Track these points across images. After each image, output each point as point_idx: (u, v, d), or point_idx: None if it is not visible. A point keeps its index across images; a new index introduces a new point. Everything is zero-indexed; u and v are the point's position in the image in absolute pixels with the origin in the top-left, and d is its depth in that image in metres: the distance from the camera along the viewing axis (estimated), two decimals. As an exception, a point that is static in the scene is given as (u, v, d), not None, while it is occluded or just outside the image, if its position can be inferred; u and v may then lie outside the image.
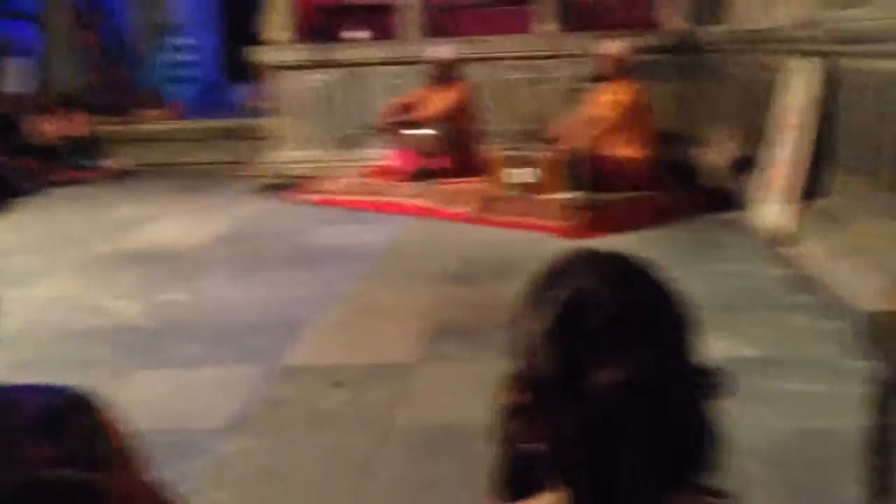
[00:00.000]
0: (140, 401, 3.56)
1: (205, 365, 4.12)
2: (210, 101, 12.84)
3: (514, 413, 1.40)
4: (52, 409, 1.37)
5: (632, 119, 7.13)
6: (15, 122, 10.07)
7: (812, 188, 5.56)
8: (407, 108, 8.26)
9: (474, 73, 8.70)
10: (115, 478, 1.56)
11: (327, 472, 3.12)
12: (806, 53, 5.86)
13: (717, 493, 1.04)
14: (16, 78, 11.03)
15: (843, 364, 3.67)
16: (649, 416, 0.96)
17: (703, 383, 1.01)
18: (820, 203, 5.47)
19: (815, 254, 5.05)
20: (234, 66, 13.48)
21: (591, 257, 1.09)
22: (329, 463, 3.18)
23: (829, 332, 4.10)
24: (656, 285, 1.06)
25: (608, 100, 7.28)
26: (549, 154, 7.11)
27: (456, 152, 7.95)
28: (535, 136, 7.71)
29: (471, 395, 3.69)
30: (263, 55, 9.39)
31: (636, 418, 0.96)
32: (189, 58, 13.64)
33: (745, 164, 6.96)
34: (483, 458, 3.23)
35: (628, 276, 1.06)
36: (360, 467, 3.13)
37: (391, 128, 8.20)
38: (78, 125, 10.20)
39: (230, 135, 10.38)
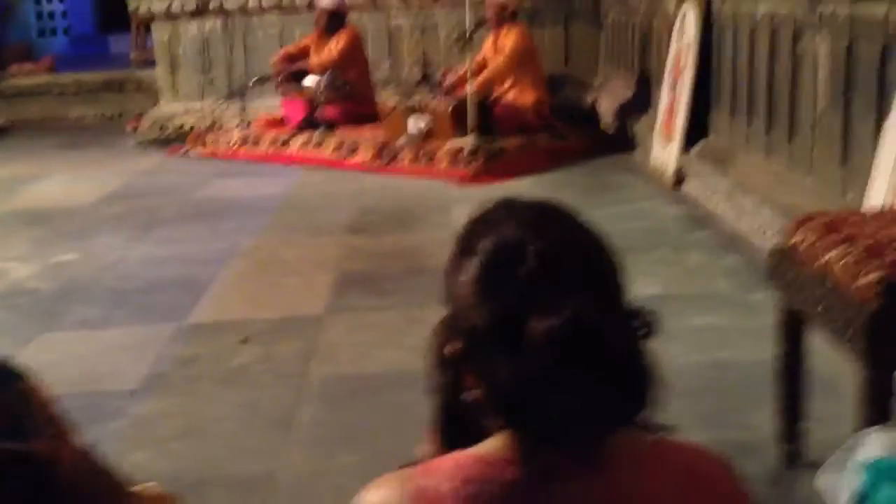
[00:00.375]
0: (46, 365, 3.46)
1: (108, 326, 4.04)
2: (83, 52, 12.34)
3: (448, 363, 1.44)
4: None
5: (518, 64, 7.19)
6: None
7: (698, 128, 5.75)
8: (294, 56, 8.13)
9: (360, 20, 8.62)
10: (51, 447, 1.54)
11: (245, 427, 3.12)
12: (686, -3, 6.02)
13: (657, 428, 1.06)
14: None
15: (743, 297, 3.86)
16: (588, 359, 0.97)
17: (637, 323, 1.02)
18: (705, 143, 5.67)
19: (706, 192, 5.25)
20: (107, 16, 13.02)
21: (512, 205, 1.09)
22: (246, 419, 3.18)
23: (727, 267, 4.28)
24: (581, 229, 1.07)
25: (494, 45, 7.32)
26: (439, 101, 7.13)
27: (346, 101, 7.88)
28: (424, 83, 7.71)
29: (382, 344, 3.74)
30: (140, 3, 9.07)
31: (575, 363, 0.96)
32: (59, 8, 13.05)
33: (635, 106, 7.14)
34: (401, 405, 3.30)
35: (552, 221, 1.07)
36: (277, 421, 3.14)
37: (279, 77, 8.07)
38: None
39: (109, 88, 10.03)
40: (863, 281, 2.01)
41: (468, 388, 1.10)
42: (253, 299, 4.37)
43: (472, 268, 1.03)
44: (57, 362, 3.60)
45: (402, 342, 3.74)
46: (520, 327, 0.97)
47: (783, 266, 2.37)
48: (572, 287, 0.99)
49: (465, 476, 1.02)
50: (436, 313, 3.80)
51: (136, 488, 1.70)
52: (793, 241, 2.34)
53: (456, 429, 1.39)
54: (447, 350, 1.11)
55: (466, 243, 1.07)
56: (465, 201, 5.92)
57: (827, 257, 2.16)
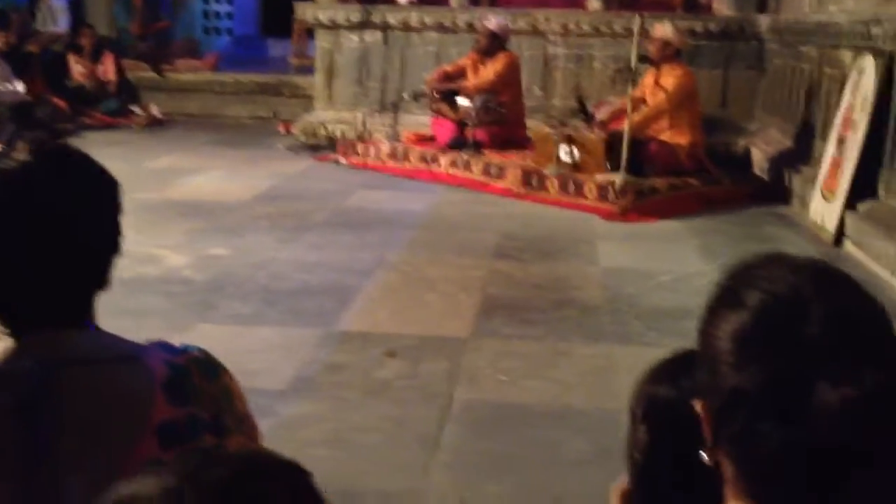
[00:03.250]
0: (201, 357, 3.55)
1: (259, 324, 4.11)
2: (244, 54, 12.76)
3: (671, 411, 1.35)
4: (178, 371, 1.34)
5: (678, 104, 7.05)
6: (58, 62, 10.01)
7: (863, 188, 5.52)
8: (450, 76, 8.19)
9: (518, 45, 8.63)
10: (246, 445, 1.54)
11: (391, 442, 3.12)
12: (864, 50, 5.80)
13: None
14: (51, 16, 10.96)
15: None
16: (884, 437, 0.88)
17: None
18: (873, 204, 5.43)
19: (871, 256, 5.02)
20: (270, 20, 13.44)
21: (784, 259, 1.00)
22: (392, 433, 3.18)
23: None
24: (863, 291, 0.96)
25: (655, 83, 7.20)
26: (592, 134, 7.06)
27: (497, 125, 7.89)
28: (577, 114, 7.65)
29: (528, 374, 3.69)
30: (306, 11, 9.30)
31: (868, 440, 0.88)
32: (226, 9, 13.55)
33: (793, 156, 6.91)
34: (549, 441, 3.22)
35: (834, 279, 0.97)
36: (423, 440, 3.12)
37: (433, 95, 8.14)
38: (109, 69, 10.14)
39: (265, 90, 10.32)
40: None
41: (708, 452, 1.03)
42: (399, 313, 4.38)
43: (739, 321, 0.94)
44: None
45: (548, 374, 3.68)
46: (799, 395, 0.89)
47: None
48: (864, 355, 0.90)
49: None
50: (583, 349, 3.74)
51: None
52: None
53: (658, 492, 1.32)
54: (694, 405, 1.04)
55: (730, 294, 0.99)
56: (611, 238, 5.84)
57: None
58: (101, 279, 1.39)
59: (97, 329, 1.40)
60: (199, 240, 5.41)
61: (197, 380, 1.35)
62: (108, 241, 1.41)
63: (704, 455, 1.04)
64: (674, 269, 5.14)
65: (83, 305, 1.38)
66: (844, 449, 0.89)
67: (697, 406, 1.03)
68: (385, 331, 4.12)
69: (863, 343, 0.92)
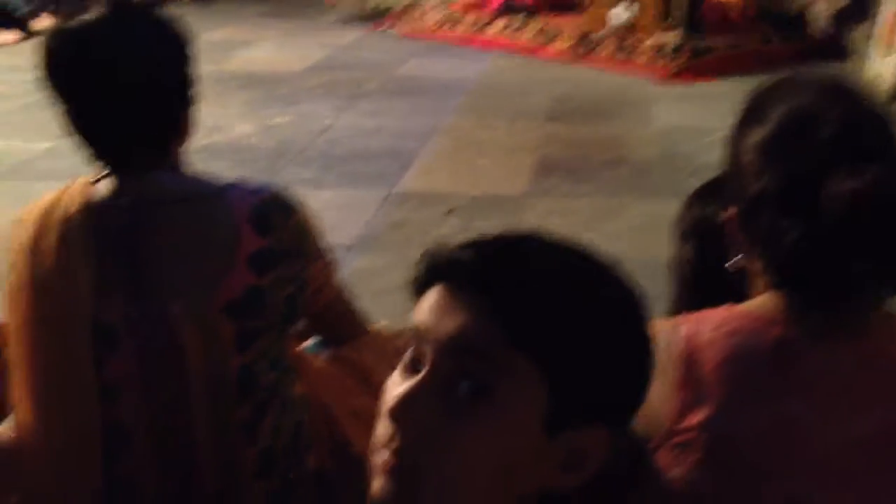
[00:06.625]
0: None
1: (322, 187, 4.26)
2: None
3: (711, 228, 1.47)
4: (260, 205, 1.46)
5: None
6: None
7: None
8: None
9: None
10: (323, 273, 1.69)
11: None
12: None
13: None
14: None
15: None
16: (886, 224, 0.99)
17: None
18: (932, 57, 5.36)
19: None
20: None
21: (803, 77, 1.12)
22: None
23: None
24: (872, 101, 1.09)
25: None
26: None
27: (547, -13, 7.80)
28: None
29: (581, 228, 3.80)
30: None
31: (872, 227, 0.99)
32: None
33: (852, 14, 6.77)
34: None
35: (847, 92, 1.09)
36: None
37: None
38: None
39: (314, -40, 10.19)
40: None
41: (737, 251, 1.15)
42: (454, 175, 4.50)
43: (763, 133, 1.06)
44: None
45: (601, 228, 3.80)
46: (814, 190, 1.00)
47: None
48: (871, 154, 1.01)
49: (733, 328, 1.07)
50: (635, 204, 3.88)
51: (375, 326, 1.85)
52: None
53: (706, 293, 1.45)
54: (724, 216, 1.16)
55: (755, 112, 1.11)
56: (666, 98, 5.83)
57: None
58: (176, 127, 1.50)
59: (181, 172, 1.53)
60: (258, 109, 5.54)
61: (275, 214, 1.49)
62: (176, 90, 1.50)
63: (733, 262, 1.17)
64: (730, 126, 5.15)
65: (163, 150, 1.50)
66: (845, 237, 1.00)
67: (728, 214, 1.16)
68: (443, 191, 4.25)
69: (867, 144, 1.03)
